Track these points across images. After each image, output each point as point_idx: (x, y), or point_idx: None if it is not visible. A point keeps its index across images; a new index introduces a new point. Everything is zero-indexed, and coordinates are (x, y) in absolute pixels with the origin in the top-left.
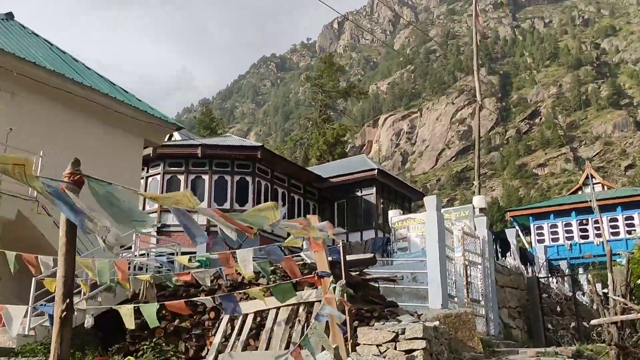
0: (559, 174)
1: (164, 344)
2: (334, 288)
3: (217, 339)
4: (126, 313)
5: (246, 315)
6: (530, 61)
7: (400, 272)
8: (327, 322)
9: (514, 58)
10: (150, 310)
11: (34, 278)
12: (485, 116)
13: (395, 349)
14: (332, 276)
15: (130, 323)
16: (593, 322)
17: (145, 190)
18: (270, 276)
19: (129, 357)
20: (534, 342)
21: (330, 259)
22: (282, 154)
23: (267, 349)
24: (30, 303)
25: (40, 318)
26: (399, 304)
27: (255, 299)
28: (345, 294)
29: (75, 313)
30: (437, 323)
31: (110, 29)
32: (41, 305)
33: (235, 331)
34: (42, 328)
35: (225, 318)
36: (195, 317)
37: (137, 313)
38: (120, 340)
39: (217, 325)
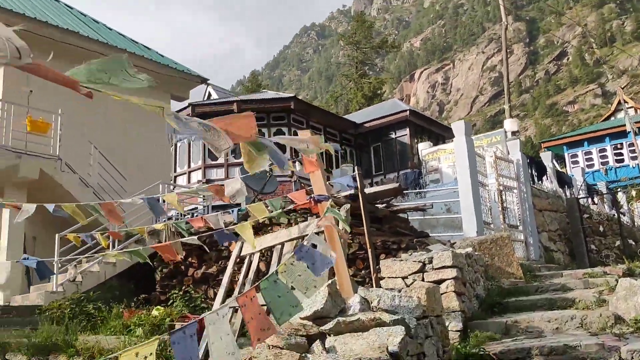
0: (589, 109)
1: (192, 292)
2: (333, 214)
3: (224, 281)
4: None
5: (252, 254)
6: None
7: (431, 202)
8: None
9: (539, 3)
10: (141, 256)
11: (57, 234)
12: (514, 61)
13: (422, 280)
14: (330, 200)
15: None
16: None
17: (189, 151)
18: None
19: (157, 307)
20: (578, 264)
21: (350, 192)
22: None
23: None
24: (55, 258)
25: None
26: (434, 235)
27: (268, 233)
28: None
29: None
30: (469, 249)
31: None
32: (24, 259)
33: (242, 273)
34: (71, 284)
35: (232, 261)
36: (220, 262)
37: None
38: (151, 291)
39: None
